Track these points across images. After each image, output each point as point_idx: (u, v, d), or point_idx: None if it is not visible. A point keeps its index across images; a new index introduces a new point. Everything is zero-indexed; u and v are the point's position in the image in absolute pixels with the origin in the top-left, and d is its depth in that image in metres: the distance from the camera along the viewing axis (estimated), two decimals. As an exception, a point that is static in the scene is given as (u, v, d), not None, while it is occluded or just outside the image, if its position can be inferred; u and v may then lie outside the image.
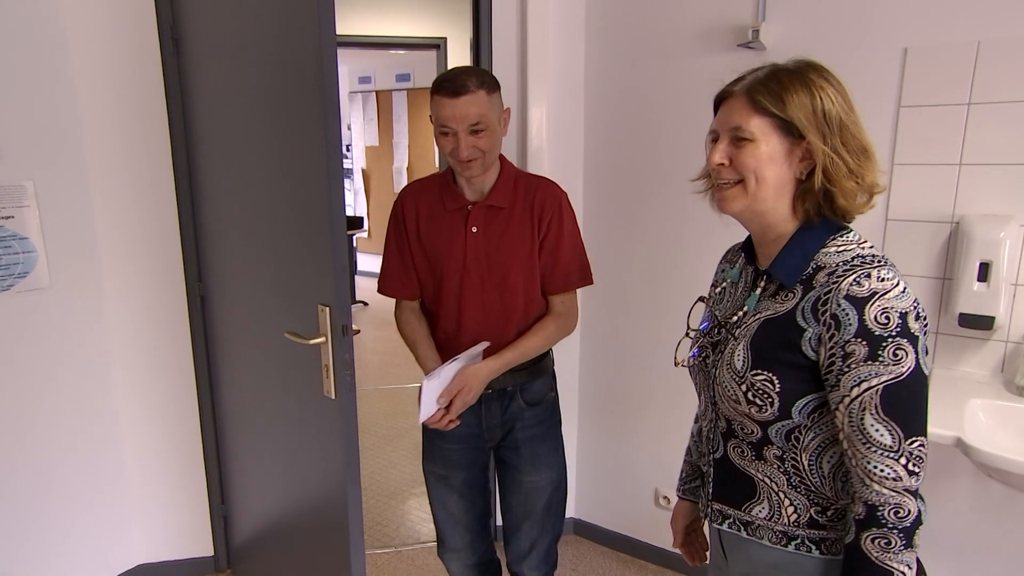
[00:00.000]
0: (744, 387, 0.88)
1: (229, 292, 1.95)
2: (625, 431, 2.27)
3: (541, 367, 1.56)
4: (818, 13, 1.71)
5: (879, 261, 0.83)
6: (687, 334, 1.04)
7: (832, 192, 0.85)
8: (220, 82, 1.76)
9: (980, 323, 1.53)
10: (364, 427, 3.52)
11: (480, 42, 2.06)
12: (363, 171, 7.38)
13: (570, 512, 2.47)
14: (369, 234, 7.11)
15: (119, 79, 1.91)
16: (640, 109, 2.07)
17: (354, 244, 5.97)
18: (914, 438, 0.80)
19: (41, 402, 1.91)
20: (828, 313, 0.82)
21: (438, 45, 3.65)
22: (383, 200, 7.05)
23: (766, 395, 0.87)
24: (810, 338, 0.84)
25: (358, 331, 1.53)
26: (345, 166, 5.21)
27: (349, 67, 7.43)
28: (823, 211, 0.87)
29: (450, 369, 1.40)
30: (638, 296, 2.16)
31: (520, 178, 1.49)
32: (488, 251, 1.44)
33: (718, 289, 1.06)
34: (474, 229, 1.44)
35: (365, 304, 5.99)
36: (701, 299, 1.07)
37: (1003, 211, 1.52)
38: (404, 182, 7.01)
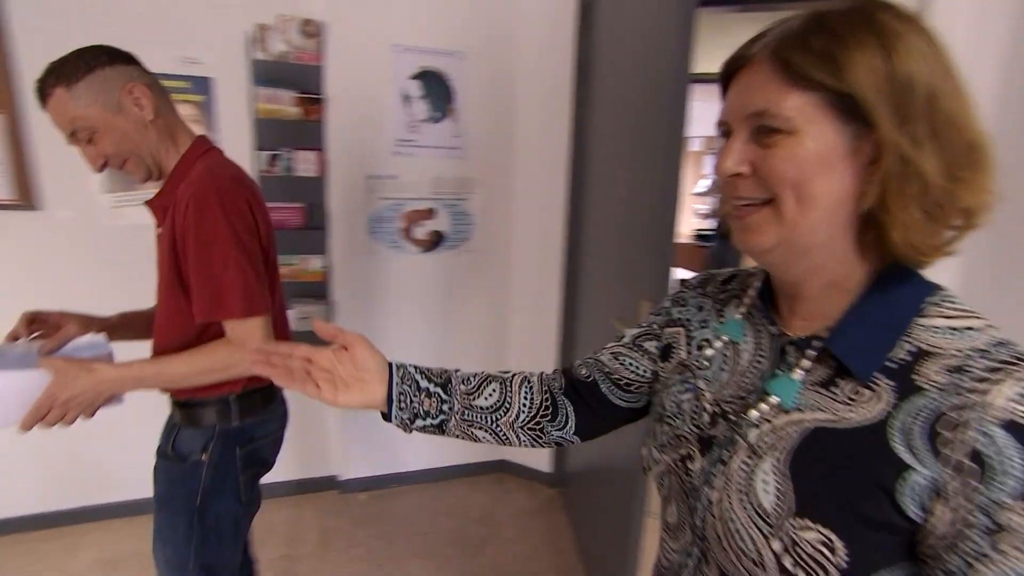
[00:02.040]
0: (779, 544, 0.51)
1: (585, 277, 2.43)
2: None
3: (197, 414, 1.22)
4: None
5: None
6: (662, 419, 0.67)
7: (883, 221, 0.50)
8: (607, 112, 2.18)
9: None
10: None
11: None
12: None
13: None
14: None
15: (545, 105, 2.52)
16: None
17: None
18: None
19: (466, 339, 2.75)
20: (965, 446, 0.46)
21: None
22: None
23: (818, 566, 0.50)
24: (919, 485, 0.48)
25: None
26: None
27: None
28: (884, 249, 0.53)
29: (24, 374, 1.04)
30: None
31: (194, 170, 1.16)
32: (159, 257, 1.22)
33: (707, 351, 0.66)
34: (159, 230, 1.22)
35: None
36: (683, 364, 0.68)
37: None
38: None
